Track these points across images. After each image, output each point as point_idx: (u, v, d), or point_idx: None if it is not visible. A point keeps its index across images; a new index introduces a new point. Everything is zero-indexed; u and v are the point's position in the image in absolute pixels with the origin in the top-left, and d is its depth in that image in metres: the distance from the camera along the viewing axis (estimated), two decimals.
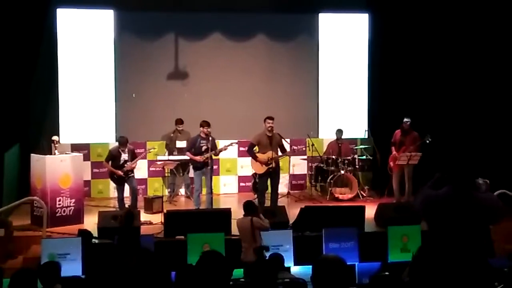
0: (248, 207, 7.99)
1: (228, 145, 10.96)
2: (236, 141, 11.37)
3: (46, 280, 5.35)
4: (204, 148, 10.59)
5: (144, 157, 11.06)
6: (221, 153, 11.14)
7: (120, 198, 10.62)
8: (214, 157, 10.98)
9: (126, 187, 10.68)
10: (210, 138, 10.61)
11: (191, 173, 12.42)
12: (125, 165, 10.44)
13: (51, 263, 5.65)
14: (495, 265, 5.08)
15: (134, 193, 10.58)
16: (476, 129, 11.88)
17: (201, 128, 10.66)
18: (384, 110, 12.82)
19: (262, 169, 10.62)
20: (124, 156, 10.50)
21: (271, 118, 10.58)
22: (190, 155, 10.74)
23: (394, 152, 11.27)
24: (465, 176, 4.78)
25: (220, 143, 11.25)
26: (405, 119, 11.21)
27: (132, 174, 10.64)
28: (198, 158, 10.60)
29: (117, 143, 10.78)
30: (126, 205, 10.57)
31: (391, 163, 11.37)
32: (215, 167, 11.91)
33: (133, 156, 10.55)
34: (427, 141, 11.08)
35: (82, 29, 12.53)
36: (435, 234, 4.72)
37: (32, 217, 9.91)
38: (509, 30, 11.66)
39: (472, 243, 4.59)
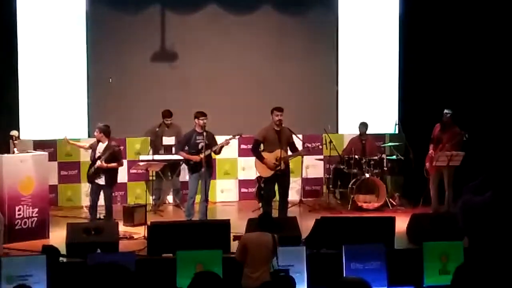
0: (265, 220, 7.99)
1: (230, 139, 10.89)
2: (238, 136, 11.23)
3: None
4: (201, 145, 10.60)
5: (115, 166, 10.55)
6: (221, 151, 11.10)
7: (93, 204, 10.61)
8: (213, 156, 10.99)
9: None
10: (205, 134, 10.60)
11: (181, 177, 12.45)
12: (97, 161, 10.37)
13: None
14: None
15: (106, 210, 10.54)
16: None
17: (196, 120, 10.66)
18: (418, 99, 12.81)
19: (268, 172, 10.62)
20: (99, 149, 10.44)
21: (280, 110, 10.57)
22: (185, 154, 10.76)
23: (431, 151, 11.25)
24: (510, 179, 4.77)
25: (218, 140, 11.16)
26: (445, 111, 11.19)
27: (102, 184, 10.42)
28: (195, 157, 10.60)
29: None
30: (101, 215, 10.59)
31: (428, 165, 11.34)
32: None
33: (110, 156, 10.42)
34: (464, 138, 11.06)
35: (47, 2, 12.52)
36: (477, 250, 4.71)
37: None
38: None
39: None
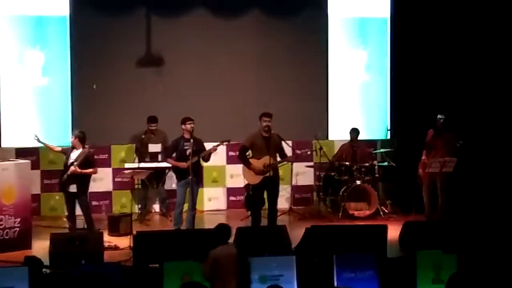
0: (225, 231, 7.96)
1: (218, 145, 10.87)
2: (226, 142, 11.19)
3: None
4: (188, 151, 10.59)
5: (90, 172, 10.46)
6: (210, 158, 11.08)
7: (69, 212, 10.58)
8: (202, 163, 10.98)
9: None
10: (193, 140, 10.60)
11: (168, 185, 12.44)
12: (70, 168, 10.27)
13: None
14: None
15: (86, 219, 10.51)
16: None
17: (183, 126, 10.67)
18: (410, 104, 12.86)
19: (256, 179, 10.62)
20: (73, 156, 10.36)
21: (268, 115, 10.59)
22: (173, 161, 10.77)
23: (424, 157, 11.28)
24: None
25: (206, 147, 11.12)
26: (439, 116, 11.22)
27: (74, 191, 10.31)
28: (182, 163, 10.59)
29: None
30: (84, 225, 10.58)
31: (421, 171, 11.37)
32: None
33: (85, 161, 10.30)
34: (458, 145, 11.10)
35: (27, 4, 12.47)
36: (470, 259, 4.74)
37: None
38: None
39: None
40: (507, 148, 12.11)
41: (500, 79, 12.35)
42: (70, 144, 10.57)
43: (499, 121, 12.28)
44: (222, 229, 7.95)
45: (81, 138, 10.44)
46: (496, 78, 12.38)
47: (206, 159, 10.97)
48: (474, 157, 11.52)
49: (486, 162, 12.14)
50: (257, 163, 10.59)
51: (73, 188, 10.34)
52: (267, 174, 10.55)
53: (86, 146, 10.49)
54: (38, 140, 10.95)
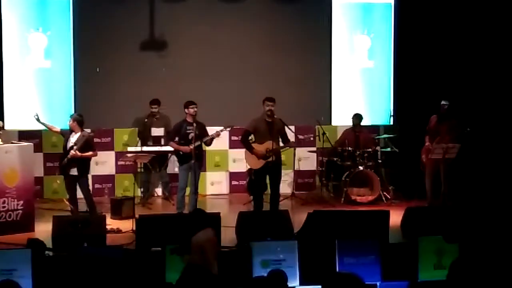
0: (201, 216, 7.91)
1: (221, 130, 10.90)
2: (229, 128, 11.29)
3: None
4: (191, 135, 10.58)
5: (90, 155, 10.53)
6: (212, 142, 11.10)
7: (71, 195, 10.63)
8: (204, 147, 10.99)
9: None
10: (196, 124, 10.60)
11: (170, 169, 12.46)
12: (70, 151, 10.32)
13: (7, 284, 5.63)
14: None
15: (86, 201, 10.57)
16: None
17: (186, 110, 10.66)
18: (413, 90, 12.82)
19: (258, 164, 10.62)
20: (72, 140, 10.39)
21: (271, 100, 10.57)
22: (175, 145, 10.76)
23: (427, 143, 11.24)
24: None
25: (209, 131, 11.12)
26: (443, 102, 11.17)
27: (75, 174, 10.38)
28: (185, 147, 10.59)
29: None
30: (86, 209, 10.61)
31: (424, 157, 11.34)
32: None
33: (84, 144, 10.33)
34: (465, 131, 11.06)
35: None
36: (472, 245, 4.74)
37: None
38: None
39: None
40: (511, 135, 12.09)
41: (505, 64, 12.30)
42: (69, 127, 10.57)
43: (504, 107, 12.24)
44: (199, 214, 7.95)
45: (79, 121, 10.47)
46: (501, 63, 12.33)
47: (208, 143, 10.98)
48: (478, 144, 11.49)
49: (490, 149, 12.12)
50: (260, 148, 10.58)
51: (74, 171, 10.39)
52: (270, 159, 10.54)
53: (85, 129, 10.55)
54: (38, 120, 10.91)
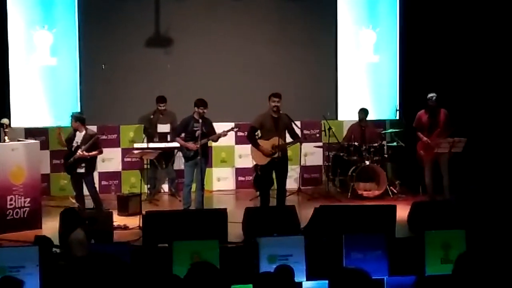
0: (70, 215, 7.93)
1: (228, 131, 10.90)
2: (237, 128, 11.28)
3: None
4: (198, 132, 10.58)
5: (96, 154, 10.62)
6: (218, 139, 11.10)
7: (77, 193, 10.70)
8: (210, 144, 11.00)
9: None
10: (201, 121, 10.60)
11: (176, 165, 12.46)
12: (77, 152, 10.38)
13: (10, 281, 5.63)
14: None
15: (93, 198, 10.65)
16: None
17: (196, 109, 10.64)
18: (419, 85, 12.79)
19: (264, 160, 10.61)
20: (77, 139, 10.46)
21: (277, 96, 10.54)
22: (181, 141, 10.76)
23: (424, 138, 11.19)
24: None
25: (216, 128, 11.11)
26: (431, 95, 11.15)
27: (82, 172, 10.47)
28: (191, 145, 10.59)
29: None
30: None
31: (422, 152, 11.31)
32: None
33: (91, 145, 10.39)
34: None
35: None
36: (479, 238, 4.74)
37: None
38: None
39: None
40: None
41: (499, 62, 12.29)
42: (72, 127, 10.62)
43: (508, 101, 12.22)
44: (70, 214, 7.97)
45: (82, 120, 10.57)
46: (506, 57, 12.32)
47: (215, 140, 10.98)
48: (479, 137, 11.48)
49: (491, 142, 12.12)
50: (266, 144, 10.56)
51: (81, 169, 10.45)
52: (276, 155, 10.53)
53: (89, 127, 10.64)
54: (59, 134, 11.15)
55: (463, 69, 12.42)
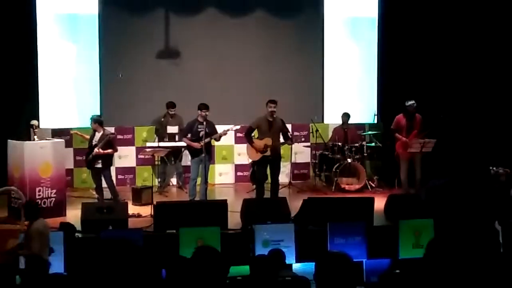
0: (30, 208, 7.83)
1: (228, 130, 10.92)
2: (238, 127, 11.29)
3: (30, 277, 5.37)
4: (202, 133, 10.58)
5: (111, 152, 10.59)
6: (221, 138, 11.10)
7: (97, 185, 10.69)
8: (213, 143, 11.00)
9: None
10: (205, 123, 10.60)
11: (183, 161, 12.46)
12: (94, 149, 10.40)
13: (38, 260, 5.65)
14: None
15: (110, 190, 10.64)
16: (490, 117, 11.96)
17: (199, 112, 10.64)
18: (395, 92, 12.81)
19: (256, 156, 10.62)
20: (96, 139, 10.49)
21: (274, 102, 10.54)
22: (187, 141, 10.76)
23: (403, 138, 11.20)
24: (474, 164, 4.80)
25: (218, 128, 11.11)
26: (411, 102, 11.16)
27: (99, 166, 10.46)
28: (196, 144, 10.59)
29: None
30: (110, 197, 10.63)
31: (400, 150, 11.32)
32: None
33: (106, 143, 10.39)
34: (440, 117, 11.04)
35: (63, 4, 12.46)
36: (445, 226, 4.74)
37: (10, 209, 9.91)
38: None
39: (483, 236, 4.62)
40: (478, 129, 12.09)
41: (468, 70, 12.30)
42: (92, 128, 10.64)
43: (472, 106, 12.23)
44: (30, 206, 7.92)
45: (100, 122, 10.62)
46: (465, 70, 12.33)
47: (217, 139, 10.98)
48: (446, 138, 11.51)
49: (458, 142, 12.14)
50: (259, 143, 10.58)
51: (98, 164, 10.45)
52: (266, 153, 10.53)
53: (106, 128, 10.67)
54: (77, 134, 11.37)
55: (432, 80, 12.42)
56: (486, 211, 9.05)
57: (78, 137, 11.64)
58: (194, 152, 10.74)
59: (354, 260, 3.62)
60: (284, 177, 12.25)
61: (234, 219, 9.31)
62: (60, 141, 10.67)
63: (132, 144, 12.87)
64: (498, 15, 12.10)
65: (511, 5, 11.91)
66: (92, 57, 12.68)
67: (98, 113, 12.10)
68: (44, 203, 9.94)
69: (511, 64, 12.14)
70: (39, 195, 9.89)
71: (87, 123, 11.13)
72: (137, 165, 12.91)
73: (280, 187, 11.21)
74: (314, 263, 3.61)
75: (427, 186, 8.19)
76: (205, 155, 10.60)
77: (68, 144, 11.79)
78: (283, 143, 10.88)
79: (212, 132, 10.70)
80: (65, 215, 10.11)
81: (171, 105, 12.25)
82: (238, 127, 11.25)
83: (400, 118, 11.29)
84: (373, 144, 12.70)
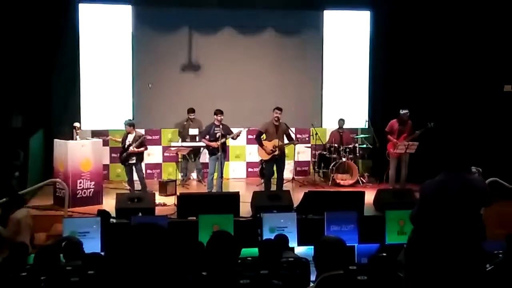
0: (17, 197, 7.76)
1: (240, 131, 10.97)
2: (247, 129, 11.51)
3: (69, 256, 5.40)
4: (218, 134, 10.61)
5: (143, 150, 10.75)
6: (232, 140, 11.11)
7: (129, 179, 10.81)
8: (229, 140, 11.02)
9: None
10: (221, 126, 10.62)
11: (202, 159, 12.49)
12: (129, 149, 10.56)
13: (73, 241, 5.68)
14: (487, 248, 5.09)
15: (140, 182, 10.72)
16: (470, 120, 11.84)
17: (215, 116, 10.67)
18: (383, 102, 12.82)
19: (267, 156, 10.64)
20: (129, 139, 10.60)
21: (279, 109, 10.56)
22: (206, 141, 10.79)
23: (395, 140, 11.16)
24: (460, 161, 4.77)
25: (233, 130, 11.13)
26: (404, 111, 11.13)
27: (133, 162, 10.59)
28: (214, 144, 10.62)
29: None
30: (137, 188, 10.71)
31: (391, 150, 11.29)
32: None
33: (141, 143, 10.59)
34: (430, 126, 10.97)
35: (103, 23, 12.55)
36: (429, 218, 4.71)
37: (55, 198, 9.98)
38: (506, 28, 11.58)
39: (466, 226, 4.59)
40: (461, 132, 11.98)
41: (453, 79, 12.19)
42: (125, 130, 10.75)
43: (454, 113, 12.10)
44: (13, 195, 7.84)
45: (132, 125, 10.74)
46: (451, 79, 12.22)
47: (235, 138, 10.98)
48: (432, 141, 11.46)
49: (442, 144, 12.03)
50: (268, 144, 10.60)
51: (132, 160, 10.55)
52: (275, 153, 10.55)
53: (137, 130, 10.78)
54: (111, 139, 11.54)
55: (424, 89, 12.29)
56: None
57: (112, 141, 11.74)
58: (211, 151, 10.77)
59: (347, 244, 3.63)
60: (288, 173, 12.23)
61: (245, 208, 9.33)
62: (98, 140, 10.72)
63: (159, 144, 12.91)
64: (487, 26, 11.67)
65: (501, 14, 11.65)
66: (127, 70, 12.73)
67: (131, 117, 12.18)
68: (84, 193, 10.01)
69: (499, 74, 11.88)
70: (80, 186, 9.95)
71: (120, 126, 11.18)
72: (163, 161, 12.94)
73: (284, 181, 11.21)
74: (313, 247, 3.63)
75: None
76: (221, 153, 10.62)
77: (105, 143, 11.82)
78: (287, 144, 10.89)
79: (227, 133, 10.72)
80: (102, 203, 10.15)
81: (191, 110, 12.29)
82: (247, 129, 11.28)
83: (393, 122, 11.27)
84: (364, 145, 12.68)
